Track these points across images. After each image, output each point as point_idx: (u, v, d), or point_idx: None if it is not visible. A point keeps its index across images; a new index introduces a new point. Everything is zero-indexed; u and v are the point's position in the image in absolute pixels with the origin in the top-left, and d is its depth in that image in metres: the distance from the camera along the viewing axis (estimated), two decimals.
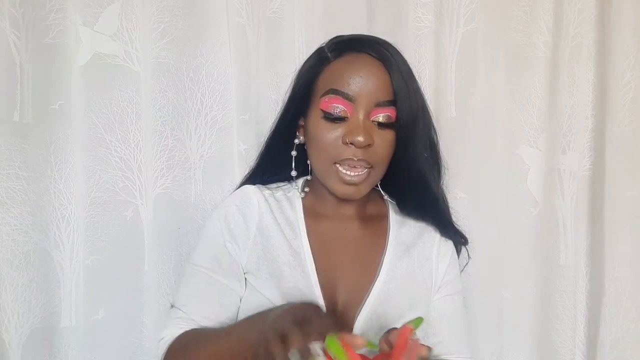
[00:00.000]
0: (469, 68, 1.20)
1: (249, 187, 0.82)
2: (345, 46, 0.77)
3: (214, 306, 0.77)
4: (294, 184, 0.85)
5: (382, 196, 0.87)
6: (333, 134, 0.73)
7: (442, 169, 0.84)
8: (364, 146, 0.72)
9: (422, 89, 0.79)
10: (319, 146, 0.74)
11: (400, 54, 0.78)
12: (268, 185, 0.84)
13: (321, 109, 0.74)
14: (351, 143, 0.71)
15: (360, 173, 0.73)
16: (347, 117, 0.73)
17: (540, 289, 1.24)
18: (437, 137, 0.83)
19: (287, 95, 0.82)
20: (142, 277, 1.09)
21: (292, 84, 0.82)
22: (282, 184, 0.85)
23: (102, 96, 1.06)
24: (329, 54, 0.77)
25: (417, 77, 0.79)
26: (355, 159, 0.72)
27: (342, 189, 0.74)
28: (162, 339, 0.79)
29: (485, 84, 1.21)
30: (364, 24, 1.18)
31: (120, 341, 1.10)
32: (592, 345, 1.25)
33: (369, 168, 0.74)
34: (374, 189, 0.85)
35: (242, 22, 1.11)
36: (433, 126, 0.82)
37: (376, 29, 1.19)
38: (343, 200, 0.79)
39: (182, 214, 1.11)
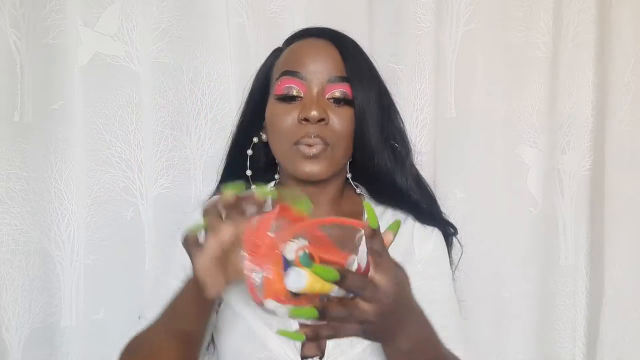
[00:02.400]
0: (469, 68, 1.20)
1: (215, 198, 0.82)
2: (296, 35, 0.79)
3: None
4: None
5: (355, 192, 0.85)
6: (290, 115, 0.73)
7: (410, 154, 0.84)
8: (318, 121, 0.72)
9: (381, 75, 0.80)
10: (278, 130, 0.75)
11: (355, 41, 0.79)
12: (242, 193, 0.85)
13: (276, 94, 0.75)
14: (305, 119, 0.72)
15: (318, 145, 0.73)
16: (302, 97, 0.73)
17: (540, 289, 1.24)
18: (402, 123, 0.83)
19: (245, 95, 0.84)
20: (142, 277, 1.09)
21: (251, 85, 0.83)
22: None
23: (102, 96, 1.06)
24: (281, 47, 0.80)
25: (375, 63, 0.80)
26: (312, 136, 0.72)
27: (305, 167, 0.73)
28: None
29: (485, 84, 1.20)
30: (364, 24, 1.18)
31: (120, 341, 1.09)
32: (592, 345, 1.24)
33: (327, 146, 0.73)
34: (348, 186, 0.84)
35: (242, 22, 1.11)
36: (396, 110, 0.82)
37: (376, 29, 1.19)
38: (313, 196, 0.78)
39: (182, 214, 1.11)
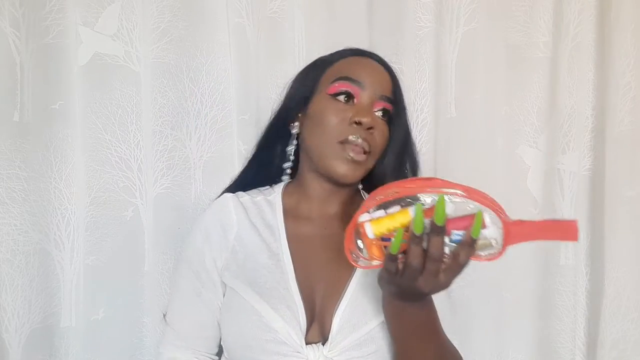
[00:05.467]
0: (469, 68, 1.20)
1: (227, 196, 0.85)
2: (349, 52, 0.84)
3: (197, 323, 0.85)
4: (275, 187, 0.88)
5: (362, 197, 0.89)
6: (340, 114, 0.77)
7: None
8: (368, 128, 0.76)
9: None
10: (325, 125, 0.78)
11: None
12: (248, 192, 0.87)
13: (329, 94, 0.79)
14: (359, 122, 0.76)
15: (362, 151, 0.77)
16: (354, 101, 0.78)
17: (540, 289, 1.24)
18: (417, 155, 0.89)
19: (284, 96, 0.87)
20: (142, 277, 1.09)
21: (289, 87, 0.87)
22: (263, 188, 0.88)
23: (102, 96, 1.06)
24: (331, 58, 0.83)
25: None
26: (360, 140, 0.76)
27: (343, 168, 0.77)
28: (160, 353, 0.87)
29: (485, 84, 1.21)
30: (364, 24, 1.18)
31: (120, 341, 1.10)
32: (592, 345, 1.25)
33: (367, 154, 0.78)
34: (356, 191, 0.88)
35: (242, 22, 1.11)
36: (414, 144, 0.88)
37: (376, 29, 1.19)
38: (328, 195, 0.83)
39: (182, 214, 1.11)
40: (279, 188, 0.87)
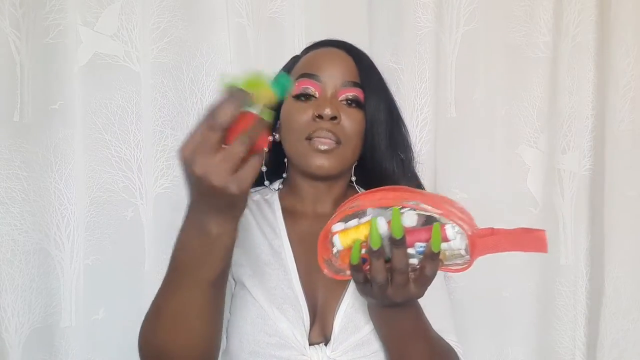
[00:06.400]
0: (469, 68, 1.20)
1: None
2: (315, 45, 0.85)
3: None
4: (271, 188, 0.88)
5: (357, 192, 0.88)
6: (304, 112, 0.78)
7: (414, 163, 0.88)
8: (331, 118, 0.76)
9: (389, 86, 0.85)
10: (292, 126, 0.79)
11: (369, 57, 0.85)
12: None
13: (292, 95, 0.80)
14: (319, 116, 0.76)
15: (330, 141, 0.77)
16: (317, 97, 0.79)
17: (540, 289, 1.24)
18: (408, 134, 0.87)
19: None
20: (142, 277, 1.09)
21: None
22: (258, 188, 0.88)
23: (102, 96, 1.06)
24: (299, 55, 0.85)
25: (384, 77, 0.85)
26: (324, 132, 0.77)
27: (316, 161, 0.77)
28: None
29: (485, 84, 1.21)
30: (364, 24, 1.18)
31: (120, 341, 1.10)
32: (592, 345, 1.24)
33: (338, 144, 0.78)
34: (350, 186, 0.87)
35: (242, 22, 1.11)
36: (403, 122, 0.87)
37: (376, 29, 1.19)
38: (319, 194, 0.83)
39: (182, 214, 1.10)
40: (274, 187, 0.88)
